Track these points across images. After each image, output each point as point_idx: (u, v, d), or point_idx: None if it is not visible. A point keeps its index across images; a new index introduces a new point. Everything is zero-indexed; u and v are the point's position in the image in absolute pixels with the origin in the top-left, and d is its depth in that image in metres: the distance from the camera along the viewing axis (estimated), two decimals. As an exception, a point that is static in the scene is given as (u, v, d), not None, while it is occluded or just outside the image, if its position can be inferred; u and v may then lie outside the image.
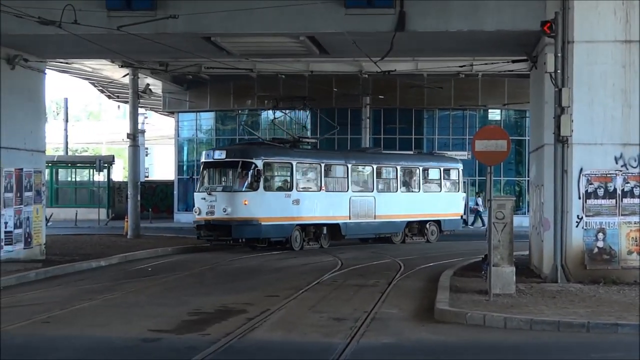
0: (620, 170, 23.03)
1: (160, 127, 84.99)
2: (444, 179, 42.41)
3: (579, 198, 23.04)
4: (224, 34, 27.54)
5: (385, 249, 36.09)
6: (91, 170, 60.70)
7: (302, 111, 57.65)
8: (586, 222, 22.97)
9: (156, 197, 63.11)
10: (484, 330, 16.34)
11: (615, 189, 23.04)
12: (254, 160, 34.22)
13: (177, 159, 59.88)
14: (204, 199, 34.35)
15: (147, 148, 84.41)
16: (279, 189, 35.46)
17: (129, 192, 43.37)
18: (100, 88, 60.82)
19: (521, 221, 39.38)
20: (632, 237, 22.94)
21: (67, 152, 73.55)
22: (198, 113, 58.91)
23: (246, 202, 33.79)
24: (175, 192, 59.03)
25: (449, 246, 37.08)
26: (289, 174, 35.68)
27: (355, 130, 56.00)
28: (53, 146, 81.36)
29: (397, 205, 39.66)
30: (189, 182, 56.42)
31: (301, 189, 35.89)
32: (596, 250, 22.92)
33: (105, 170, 59.01)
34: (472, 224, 55.51)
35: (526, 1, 24.75)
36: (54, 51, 31.56)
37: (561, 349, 14.90)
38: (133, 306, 19.12)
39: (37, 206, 30.53)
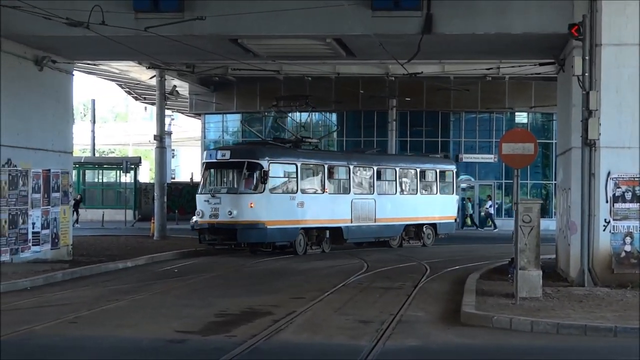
0: (648, 174, 22.89)
1: (186, 129, 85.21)
2: (439, 181, 41.73)
3: (607, 202, 22.92)
4: (250, 36, 27.58)
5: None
6: (118, 171, 60.96)
7: (328, 112, 57.80)
8: (613, 226, 22.84)
9: (182, 199, 63.23)
10: (510, 333, 16.28)
11: (642, 193, 22.91)
12: (259, 161, 32.97)
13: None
14: (207, 201, 33.07)
15: (173, 150, 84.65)
16: (284, 191, 34.19)
17: (155, 194, 43.50)
18: (127, 90, 61.11)
19: (548, 225, 39.24)
20: (660, 242, 22.81)
21: (94, 154, 73.96)
22: (224, 115, 59.06)
23: (252, 205, 32.63)
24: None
25: (468, 250, 37.00)
26: (293, 175, 34.45)
27: (381, 132, 56.00)
28: (80, 147, 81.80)
29: (396, 208, 38.91)
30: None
31: (305, 191, 34.85)
32: (623, 254, 22.78)
33: (132, 172, 59.23)
34: (483, 227, 55.43)
35: (554, 3, 24.65)
36: (81, 52, 31.69)
37: (588, 353, 14.83)
38: (160, 307, 19.17)
39: (64, 207, 30.68)
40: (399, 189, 39.48)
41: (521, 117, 58.08)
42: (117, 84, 59.62)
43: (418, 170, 40.60)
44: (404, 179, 40.03)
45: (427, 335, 16.01)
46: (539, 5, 24.88)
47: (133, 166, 59.22)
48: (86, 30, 23.93)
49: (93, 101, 78.30)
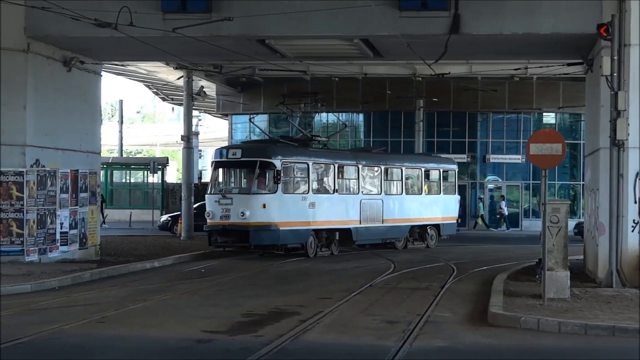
0: (676, 175, 22.77)
1: (214, 130, 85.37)
2: (443, 180, 40.78)
3: (635, 202, 22.82)
4: (278, 37, 27.64)
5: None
6: (145, 171, 61.09)
7: (355, 114, 57.79)
8: (642, 227, 22.73)
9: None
10: (537, 334, 16.22)
11: (671, 194, 22.78)
12: (272, 160, 31.70)
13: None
14: (218, 202, 31.74)
15: (200, 150, 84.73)
16: (296, 191, 32.92)
17: (182, 194, 43.58)
18: (155, 90, 61.26)
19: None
20: (689, 243, 22.66)
21: (121, 154, 74.22)
22: (251, 115, 59.12)
23: (265, 206, 31.40)
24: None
25: (495, 250, 36.91)
26: (305, 175, 33.17)
27: (408, 133, 55.91)
28: (108, 148, 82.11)
29: (402, 209, 37.93)
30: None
31: (317, 192, 33.68)
32: (652, 255, 22.65)
33: (159, 172, 59.36)
34: (497, 227, 55.25)
35: (582, 3, 24.56)
36: (109, 53, 31.84)
37: (616, 354, 14.76)
38: (187, 307, 19.21)
39: (92, 207, 30.81)
40: (405, 189, 38.49)
41: (549, 118, 57.87)
42: (145, 85, 59.78)
43: (422, 169, 39.66)
44: (409, 179, 39.16)
45: (454, 335, 15.98)
46: (567, 5, 24.80)
47: (160, 167, 59.34)
48: (114, 31, 24.05)
49: (121, 102, 78.55)
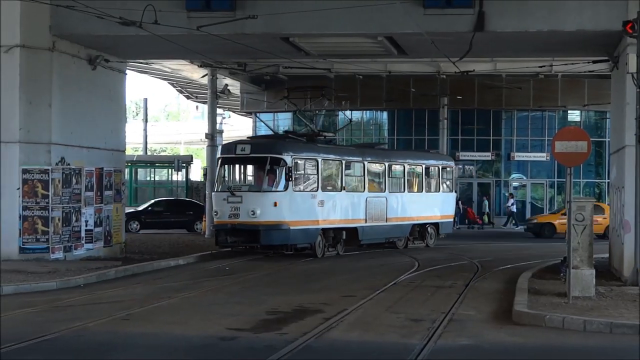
0: (702, 172, 22.58)
1: (238, 128, 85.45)
2: (442, 178, 39.60)
3: (661, 200, 22.65)
4: (302, 35, 27.65)
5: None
6: (170, 170, 61.20)
7: (379, 111, 57.73)
8: (668, 225, 22.56)
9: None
10: (562, 333, 16.16)
11: (697, 191, 22.59)
12: (283, 156, 30.33)
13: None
14: (226, 199, 30.34)
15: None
16: (306, 188, 31.56)
17: (207, 192, 43.66)
18: (179, 88, 61.42)
19: (601, 223, 38.90)
20: None
21: (146, 152, 74.35)
22: (275, 113, 59.14)
23: (276, 204, 30.17)
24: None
25: (519, 248, 36.79)
26: (315, 171, 31.82)
27: (432, 131, 55.86)
28: (132, 146, 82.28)
29: (404, 207, 36.69)
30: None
31: (325, 189, 32.26)
32: (678, 253, 22.49)
33: (184, 170, 59.46)
34: (505, 224, 55.11)
35: (607, 1, 24.45)
36: (134, 52, 31.94)
37: (642, 353, 14.69)
38: (211, 304, 19.24)
39: (117, 205, 30.91)
40: (407, 187, 37.27)
41: (574, 115, 57.69)
42: (169, 83, 59.92)
43: (423, 166, 38.53)
44: (411, 176, 37.81)
45: (479, 334, 15.93)
46: (592, 2, 24.73)
47: (185, 165, 59.43)
48: (139, 29, 24.12)
49: (145, 100, 78.72)
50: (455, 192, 42.58)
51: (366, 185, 34.55)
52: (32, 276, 23.17)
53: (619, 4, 24.05)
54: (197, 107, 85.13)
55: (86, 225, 28.82)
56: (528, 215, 55.78)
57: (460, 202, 54.29)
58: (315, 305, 19.09)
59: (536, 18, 25.32)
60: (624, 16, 23.13)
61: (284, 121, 59.12)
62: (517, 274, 24.35)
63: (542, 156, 56.45)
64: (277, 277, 25.63)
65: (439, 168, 39.42)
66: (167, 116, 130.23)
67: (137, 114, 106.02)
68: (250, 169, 32.88)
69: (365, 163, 34.69)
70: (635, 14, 22.48)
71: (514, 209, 55.27)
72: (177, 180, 60.70)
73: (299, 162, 31.14)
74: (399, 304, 19.72)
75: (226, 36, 26.20)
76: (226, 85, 50.16)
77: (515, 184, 58.03)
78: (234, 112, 73.45)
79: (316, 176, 31.78)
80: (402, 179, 37.13)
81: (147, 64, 44.47)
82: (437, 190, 39.21)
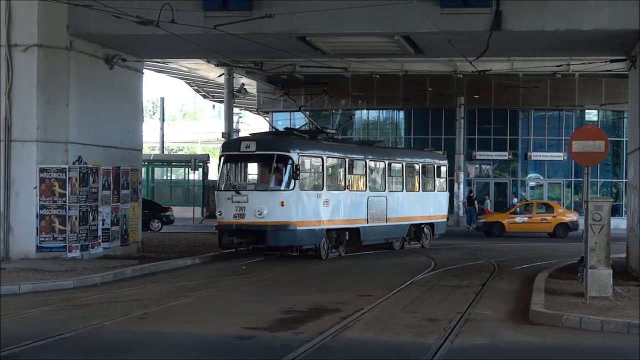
0: None
1: (254, 127, 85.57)
2: (437, 176, 38.40)
3: (679, 200, 22.60)
4: (318, 34, 27.66)
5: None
6: (186, 169, 61.32)
7: (396, 111, 57.69)
8: (686, 225, 22.52)
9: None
10: (580, 333, 16.11)
11: None
12: (290, 154, 29.16)
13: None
14: (231, 199, 29.10)
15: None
16: (312, 187, 30.36)
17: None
18: (196, 88, 61.58)
19: (618, 223, 38.77)
20: None
21: (163, 151, 74.58)
22: (292, 113, 59.16)
23: (283, 203, 29.00)
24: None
25: (536, 248, 36.70)
26: (320, 170, 30.66)
27: (449, 130, 55.86)
28: (149, 145, 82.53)
29: (403, 207, 35.43)
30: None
31: (330, 188, 31.08)
32: (696, 253, 22.44)
33: (200, 169, 59.57)
34: None
35: (625, 0, 24.36)
36: (151, 51, 32.01)
37: (660, 353, 14.63)
38: (227, 303, 19.27)
39: (133, 204, 30.97)
40: (405, 186, 36.01)
41: (591, 115, 57.57)
42: (186, 82, 60.08)
43: (420, 165, 37.23)
44: (409, 175, 36.45)
45: (496, 333, 15.90)
46: (610, 1, 24.68)
47: (201, 164, 59.52)
48: (156, 28, 24.17)
49: (162, 99, 78.93)
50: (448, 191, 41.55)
51: (368, 184, 33.40)
52: (49, 275, 23.25)
53: (637, 3, 23.96)
54: (213, 106, 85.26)
55: (103, 224, 28.89)
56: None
57: (476, 201, 54.27)
58: (331, 304, 19.08)
59: (553, 17, 25.25)
60: (641, 15, 23.09)
61: (300, 120, 59.11)
62: (534, 274, 24.30)
63: (559, 156, 56.36)
64: (293, 276, 25.63)
65: (434, 167, 38.37)
66: (184, 115, 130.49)
67: (154, 113, 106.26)
68: (255, 167, 31.74)
69: (367, 161, 33.51)
70: (653, 13, 22.48)
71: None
72: (194, 180, 60.83)
73: (305, 159, 29.97)
74: (416, 303, 19.70)
75: (243, 35, 26.22)
76: (242, 84, 50.28)
77: (532, 183, 57.93)
78: (250, 111, 73.59)
79: (321, 174, 30.77)
80: (401, 178, 35.93)
81: (164, 63, 44.62)
82: (433, 189, 38.21)
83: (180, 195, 61.39)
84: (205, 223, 52.93)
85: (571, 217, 47.18)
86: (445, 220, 39.65)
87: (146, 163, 55.83)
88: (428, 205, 37.53)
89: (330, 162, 31.39)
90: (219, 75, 47.96)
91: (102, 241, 28.87)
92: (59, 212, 27.06)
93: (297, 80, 53.66)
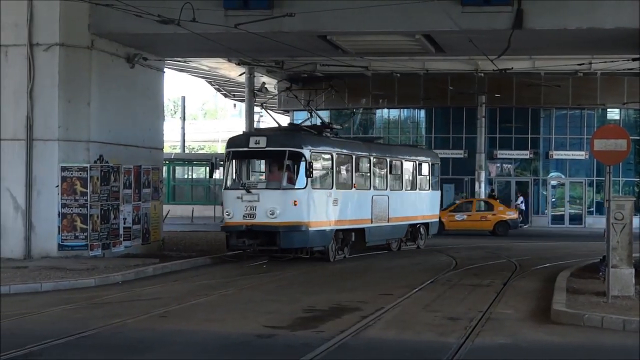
0: None
1: (275, 126, 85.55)
2: (431, 174, 37.02)
3: (702, 199, 22.46)
4: (339, 33, 27.66)
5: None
6: (207, 167, 61.41)
7: (417, 110, 57.57)
8: None
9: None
10: (601, 332, 16.03)
11: None
12: (302, 150, 27.70)
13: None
14: (240, 198, 27.60)
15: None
16: (322, 186, 28.90)
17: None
18: (217, 87, 61.65)
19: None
20: None
21: (184, 150, 74.72)
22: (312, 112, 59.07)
23: (296, 203, 27.58)
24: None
25: (557, 247, 36.59)
26: (329, 167, 29.16)
27: (470, 129, 55.76)
28: (170, 144, 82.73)
29: (403, 206, 33.98)
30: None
31: (339, 187, 29.57)
32: None
33: (221, 168, 59.58)
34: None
35: (647, -3, 24.29)
36: (172, 50, 32.10)
37: (682, 353, 14.54)
38: (248, 302, 19.27)
39: (154, 203, 31.04)
40: (404, 185, 34.67)
41: (613, 114, 57.33)
42: (207, 81, 60.17)
43: (416, 162, 35.83)
44: (407, 173, 35.07)
45: (517, 332, 15.84)
46: (631, 0, 24.52)
47: (222, 163, 59.56)
48: (177, 27, 24.23)
49: (183, 98, 79.13)
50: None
51: (372, 183, 31.95)
52: (71, 273, 23.32)
53: (659, 1, 23.89)
54: (234, 105, 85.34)
55: (124, 223, 28.98)
56: (567, 215, 55.67)
57: (498, 200, 54.18)
58: (352, 303, 19.06)
59: (574, 16, 25.18)
60: (663, 13, 22.99)
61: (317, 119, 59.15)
62: (556, 273, 24.21)
63: (580, 154, 56.16)
64: (313, 276, 25.60)
65: (429, 164, 37.05)
66: (204, 114, 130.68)
67: (175, 112, 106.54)
68: (265, 164, 30.31)
69: (371, 158, 31.95)
70: (675, 11, 22.36)
71: (522, 207, 55.09)
72: (215, 179, 60.88)
73: (316, 156, 28.50)
74: (436, 302, 19.65)
75: (263, 34, 26.25)
76: (263, 83, 50.29)
77: (553, 182, 57.75)
78: (271, 110, 73.60)
79: (331, 172, 29.25)
80: (400, 176, 34.62)
81: (184, 62, 44.70)
82: (428, 188, 36.93)
83: (201, 194, 61.49)
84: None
85: (511, 215, 47.02)
86: (438, 220, 38.47)
87: (167, 162, 55.96)
88: (424, 204, 36.32)
89: (339, 158, 29.85)
90: (240, 74, 48.00)
91: (124, 240, 28.95)
92: (80, 210, 27.15)
93: (299, 76, 53.67)
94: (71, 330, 15.11)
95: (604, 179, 23.16)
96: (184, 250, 31.00)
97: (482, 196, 55.62)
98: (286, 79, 53.75)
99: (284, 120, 69.94)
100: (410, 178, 35.41)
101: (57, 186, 26.98)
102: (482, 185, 56.11)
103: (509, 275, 25.35)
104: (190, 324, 16.25)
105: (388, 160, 33.23)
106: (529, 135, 56.49)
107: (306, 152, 27.74)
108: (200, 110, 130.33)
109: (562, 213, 56.45)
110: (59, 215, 27.00)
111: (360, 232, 30.94)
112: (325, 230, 28.63)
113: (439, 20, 25.56)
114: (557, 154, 56.61)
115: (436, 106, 56.50)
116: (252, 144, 28.17)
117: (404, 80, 52.44)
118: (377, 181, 32.52)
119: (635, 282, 19.67)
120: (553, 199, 57.34)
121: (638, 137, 53.79)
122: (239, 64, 44.14)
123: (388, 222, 32.66)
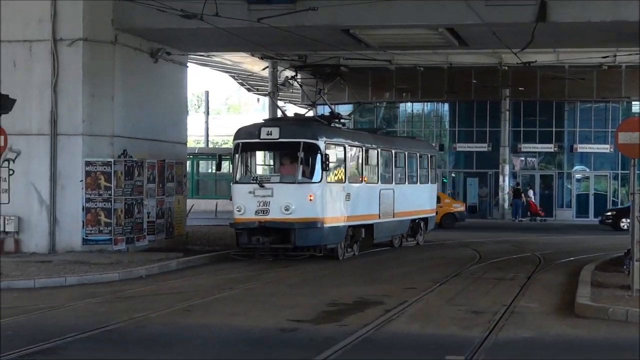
0: None
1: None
2: (430, 167, 35.70)
3: None
4: (362, 26, 27.63)
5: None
6: (231, 162, 61.44)
7: (440, 103, 57.44)
8: None
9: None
10: (626, 326, 15.95)
11: None
12: (318, 142, 26.21)
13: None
14: (253, 192, 26.10)
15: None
16: (336, 179, 27.54)
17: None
18: (240, 81, 61.67)
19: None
20: None
21: (207, 145, 74.75)
22: (336, 105, 59.04)
23: (312, 198, 26.15)
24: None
25: (582, 241, 36.45)
26: (342, 159, 27.73)
27: (494, 123, 55.58)
28: (194, 139, 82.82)
29: (406, 201, 32.43)
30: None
31: (350, 180, 28.15)
32: None
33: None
34: (525, 216, 54.78)
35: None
36: (195, 44, 32.14)
37: None
38: (272, 296, 19.29)
39: (178, 197, 31.11)
40: (407, 178, 33.38)
41: (638, 106, 57.02)
42: (230, 76, 60.21)
43: (418, 155, 34.61)
44: (410, 166, 33.86)
45: (541, 326, 15.79)
46: (657, -9, 24.39)
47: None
48: (200, 22, 24.24)
49: (207, 93, 79.20)
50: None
51: (379, 176, 30.57)
52: (95, 267, 23.42)
53: (684, -7, 23.73)
54: (258, 99, 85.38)
55: (148, 217, 29.04)
56: (592, 209, 55.44)
57: (522, 194, 54.05)
58: (375, 297, 19.05)
59: (599, 8, 25.05)
60: (689, 5, 22.83)
61: (344, 113, 59.02)
62: (580, 267, 24.12)
63: (605, 148, 55.88)
64: (337, 270, 25.58)
65: (428, 157, 35.80)
66: (228, 109, 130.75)
67: (198, 107, 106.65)
68: (278, 156, 28.77)
69: (379, 150, 30.57)
70: (700, 3, 22.21)
71: (533, 199, 55.00)
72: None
73: (330, 148, 26.99)
74: (460, 296, 19.62)
75: (286, 28, 26.24)
76: (287, 77, 50.23)
77: (578, 176, 57.50)
78: (294, 104, 73.61)
79: (344, 165, 27.80)
80: (404, 169, 33.14)
81: (208, 56, 44.75)
82: (428, 181, 35.67)
83: (225, 189, 61.46)
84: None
85: (458, 207, 46.75)
86: (435, 214, 37.14)
87: (191, 156, 56.04)
88: (424, 198, 35.05)
89: (351, 151, 28.34)
90: (263, 69, 48.00)
91: (147, 234, 29.02)
92: (104, 205, 27.24)
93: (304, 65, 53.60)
94: (95, 324, 15.17)
95: (628, 172, 23.01)
96: (207, 245, 31.03)
97: (506, 190, 55.46)
98: (289, 67, 53.55)
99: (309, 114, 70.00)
100: (413, 171, 34.42)
101: (81, 180, 27.08)
102: (507, 179, 55.94)
103: (533, 268, 25.29)
104: (213, 318, 16.29)
105: (393, 152, 32.05)
106: (554, 129, 56.26)
107: (321, 143, 26.34)
108: (223, 104, 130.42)
109: (586, 206, 56.16)
110: (83, 209, 27.10)
111: (369, 228, 29.66)
112: (339, 227, 27.33)
113: (462, 14, 25.49)
114: (582, 147, 56.36)
115: (460, 100, 56.34)
116: (263, 135, 26.59)
117: (427, 74, 52.35)
118: (383, 174, 31.13)
119: (660, 276, 19.56)
120: (577, 192, 57.08)
121: (663, 130, 53.42)
122: (262, 58, 44.15)
123: (393, 217, 31.38)
